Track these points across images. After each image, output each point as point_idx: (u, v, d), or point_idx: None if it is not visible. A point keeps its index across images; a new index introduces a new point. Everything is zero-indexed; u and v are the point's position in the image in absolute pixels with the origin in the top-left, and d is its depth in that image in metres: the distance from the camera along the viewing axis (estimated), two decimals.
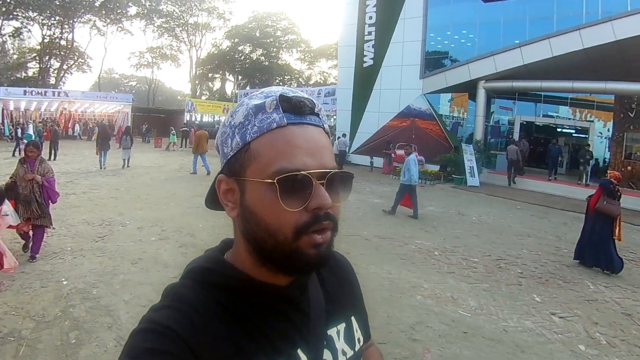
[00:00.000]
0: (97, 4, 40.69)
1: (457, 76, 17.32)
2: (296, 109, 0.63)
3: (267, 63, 50.52)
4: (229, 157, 0.65)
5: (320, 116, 0.67)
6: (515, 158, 15.66)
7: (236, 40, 49.43)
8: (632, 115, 16.73)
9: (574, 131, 20.52)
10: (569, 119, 19.47)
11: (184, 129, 26.56)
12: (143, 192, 10.55)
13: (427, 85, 18.47)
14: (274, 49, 50.98)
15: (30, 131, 20.05)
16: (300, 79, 53.07)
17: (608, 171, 8.49)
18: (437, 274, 5.64)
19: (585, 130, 19.02)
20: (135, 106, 34.57)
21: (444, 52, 19.01)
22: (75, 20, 40.49)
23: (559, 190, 14.86)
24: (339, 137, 19.11)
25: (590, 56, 14.57)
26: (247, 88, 46.56)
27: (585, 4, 15.48)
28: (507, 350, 3.73)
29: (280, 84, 49.93)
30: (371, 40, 20.48)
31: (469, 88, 17.57)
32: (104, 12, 41.63)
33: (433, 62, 18.91)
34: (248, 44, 49.89)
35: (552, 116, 19.56)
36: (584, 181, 16.06)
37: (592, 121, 18.71)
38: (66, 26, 40.58)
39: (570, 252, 7.23)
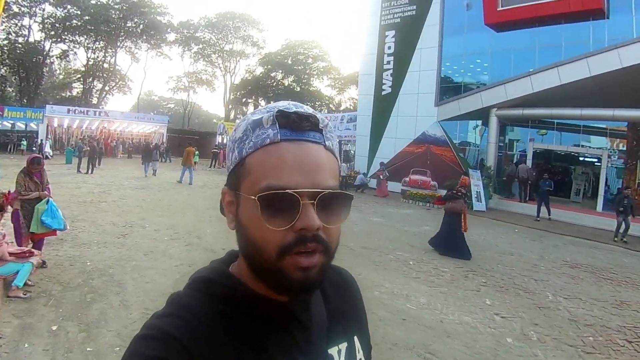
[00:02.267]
0: (138, 30, 43.56)
1: (470, 104, 17.97)
2: (294, 125, 0.62)
3: (298, 89, 52.12)
4: (229, 170, 0.67)
5: (324, 133, 0.65)
6: (525, 176, 16.06)
7: (269, 67, 51.38)
8: None
9: (594, 160, 20.58)
10: (582, 146, 19.61)
11: (214, 150, 28.00)
12: (166, 203, 11.68)
13: (441, 113, 19.18)
14: (305, 76, 52.60)
15: (47, 148, 22.52)
16: (330, 105, 54.28)
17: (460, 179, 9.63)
18: (403, 277, 6.34)
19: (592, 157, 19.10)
20: (171, 127, 36.62)
21: (458, 80, 19.71)
22: (118, 45, 43.41)
23: (568, 217, 15.09)
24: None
25: (599, 83, 14.92)
26: None
27: (592, 32, 15.88)
28: (435, 335, 4.39)
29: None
30: (389, 69, 21.42)
31: (482, 115, 18.14)
32: (144, 37, 44.50)
33: (447, 90, 19.61)
34: (280, 71, 51.73)
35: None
36: (596, 208, 16.28)
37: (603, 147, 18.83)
38: (109, 50, 43.52)
39: (548, 270, 7.75)
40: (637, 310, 6.17)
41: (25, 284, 4.69)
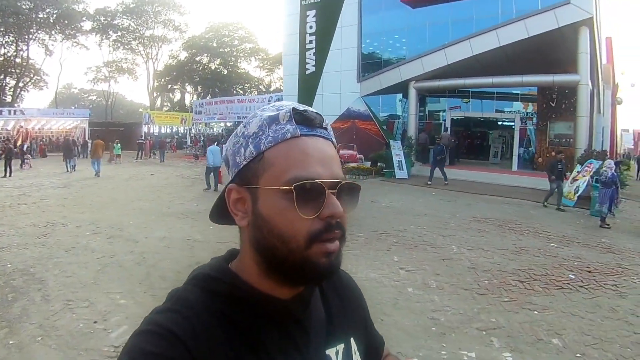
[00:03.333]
0: (51, 20, 40.70)
1: (390, 78, 18.74)
2: (308, 122, 0.66)
3: (225, 72, 51.18)
4: (242, 166, 0.67)
5: (328, 130, 0.69)
6: (447, 143, 17.14)
7: (193, 51, 49.93)
8: (553, 105, 18.40)
9: (511, 124, 22.09)
10: (498, 111, 21.07)
11: (139, 141, 27.11)
12: (88, 199, 11.32)
13: (364, 88, 19.83)
14: (232, 58, 51.71)
15: None
16: (260, 86, 53.87)
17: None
18: None
19: (511, 122, 20.61)
20: (93, 121, 34.86)
21: (378, 56, 20.38)
22: (29, 37, 40.37)
23: (485, 177, 16.25)
24: None
25: (508, 53, 16.06)
26: (209, 97, 47.04)
27: (500, 5, 16.89)
28: None
29: (241, 92, 50.79)
30: (312, 48, 21.57)
31: (401, 89, 18.99)
32: (58, 27, 41.66)
33: (369, 66, 20.25)
34: (205, 54, 50.46)
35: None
36: (512, 168, 17.71)
37: (515, 111, 20.35)
38: (21, 44, 40.42)
39: (457, 226, 8.48)
40: (533, 255, 6.95)
41: None
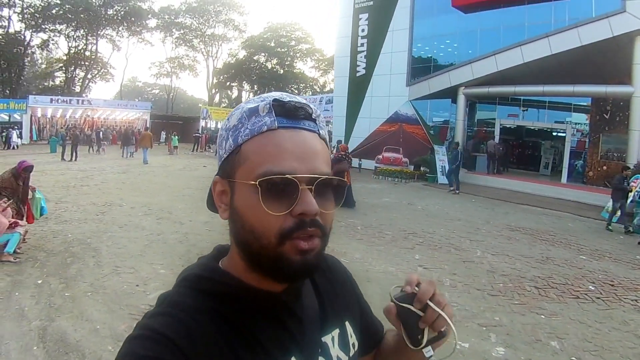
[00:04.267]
0: (119, 17, 43.55)
1: (439, 83, 18.79)
2: (289, 113, 0.63)
3: (282, 72, 52.57)
4: (223, 159, 0.67)
5: (317, 122, 0.67)
6: (493, 151, 17.05)
7: (252, 50, 51.68)
8: (607, 117, 17.78)
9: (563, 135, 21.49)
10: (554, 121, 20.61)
11: (195, 134, 28.64)
12: (144, 185, 12.43)
13: (412, 92, 20.02)
14: (289, 58, 53.02)
15: (15, 138, 24.63)
16: (315, 87, 54.78)
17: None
18: (346, 238, 7.21)
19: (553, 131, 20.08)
20: (154, 113, 37.09)
21: (429, 60, 20.49)
22: (99, 32, 43.39)
23: (531, 188, 15.98)
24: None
25: (560, 61, 15.74)
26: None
27: (553, 12, 16.59)
28: (356, 280, 5.24)
29: (296, 92, 51.88)
30: (363, 51, 22.12)
31: (451, 94, 18.97)
32: (125, 24, 44.50)
33: (418, 70, 20.39)
34: (263, 54, 52.06)
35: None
36: (561, 180, 17.33)
37: (568, 122, 19.79)
38: (90, 38, 43.52)
39: (487, 232, 8.66)
40: (558, 265, 6.97)
41: (14, 251, 5.49)
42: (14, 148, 23.84)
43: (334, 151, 21.46)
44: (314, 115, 0.66)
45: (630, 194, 11.59)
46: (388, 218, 9.25)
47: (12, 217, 5.74)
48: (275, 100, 0.64)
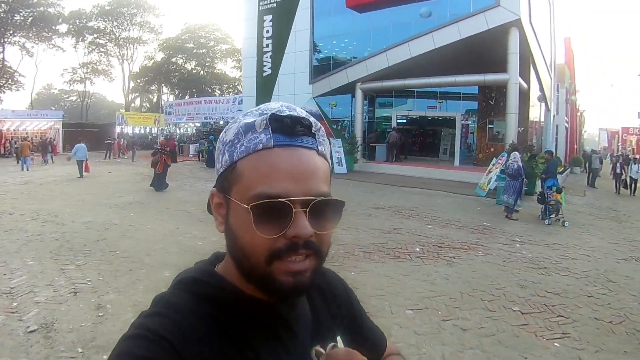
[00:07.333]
0: (27, 24, 41.34)
1: (338, 80, 20.04)
2: (287, 130, 0.62)
3: (202, 73, 52.14)
4: (219, 173, 0.66)
5: (317, 137, 0.65)
6: (394, 141, 18.44)
7: (169, 52, 50.77)
8: (492, 103, 19.65)
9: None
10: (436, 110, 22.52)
11: (107, 141, 28.03)
12: (40, 193, 12.36)
13: (315, 90, 21.09)
14: (208, 59, 52.64)
15: None
16: (238, 87, 54.72)
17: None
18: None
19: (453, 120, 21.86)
20: (67, 122, 35.75)
21: (328, 59, 21.64)
22: (5, 40, 41.01)
23: (422, 172, 17.43)
24: None
25: (445, 54, 17.15)
26: (187, 97, 47.81)
27: (436, 9, 17.90)
28: None
29: (219, 93, 51.77)
30: (269, 51, 22.87)
31: (349, 90, 20.25)
32: (34, 30, 42.34)
33: (320, 68, 21.48)
34: (181, 55, 51.33)
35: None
36: (454, 163, 18.99)
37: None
38: None
39: (351, 212, 9.61)
40: (401, 233, 7.91)
41: None
42: None
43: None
44: (313, 130, 0.65)
45: (496, 170, 12.97)
46: None
47: None
48: (272, 115, 0.63)
